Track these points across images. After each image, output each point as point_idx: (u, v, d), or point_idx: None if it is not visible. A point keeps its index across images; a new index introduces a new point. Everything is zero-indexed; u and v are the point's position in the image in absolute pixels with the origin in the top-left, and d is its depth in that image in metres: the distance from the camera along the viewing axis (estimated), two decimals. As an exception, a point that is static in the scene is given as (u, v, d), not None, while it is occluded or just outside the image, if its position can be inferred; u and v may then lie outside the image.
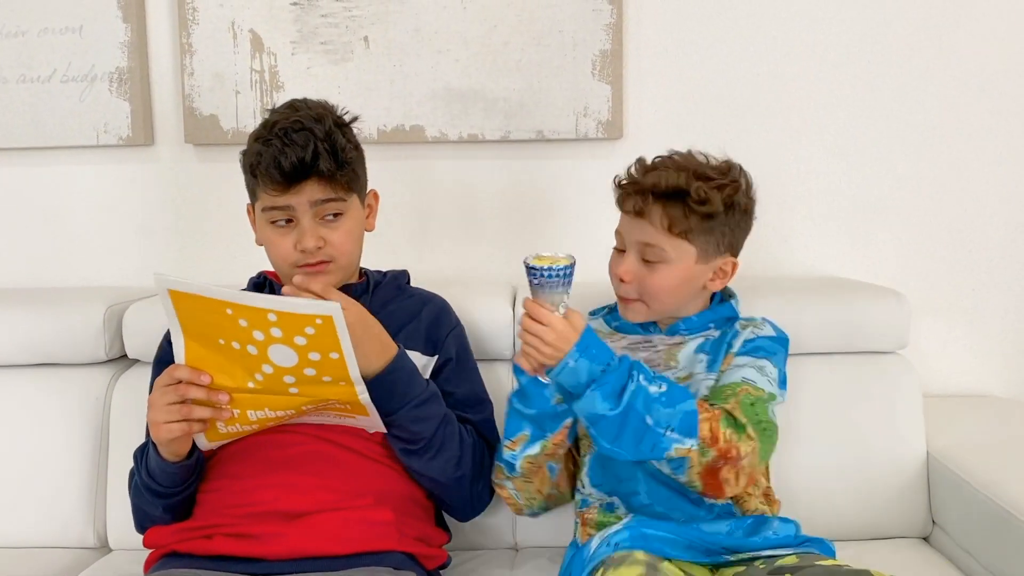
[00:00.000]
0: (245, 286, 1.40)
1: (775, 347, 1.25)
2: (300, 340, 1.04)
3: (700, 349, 1.25)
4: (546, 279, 1.10)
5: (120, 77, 1.73)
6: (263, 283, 1.39)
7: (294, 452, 1.20)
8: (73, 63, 1.73)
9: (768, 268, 1.72)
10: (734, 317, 1.29)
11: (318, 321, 1.03)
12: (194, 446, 1.18)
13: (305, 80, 1.72)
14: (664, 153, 1.27)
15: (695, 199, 1.19)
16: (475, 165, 1.75)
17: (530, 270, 1.10)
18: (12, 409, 1.51)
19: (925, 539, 1.47)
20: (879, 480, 1.45)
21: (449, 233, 1.76)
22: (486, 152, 1.74)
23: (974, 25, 1.70)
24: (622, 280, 1.23)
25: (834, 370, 1.48)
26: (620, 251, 1.26)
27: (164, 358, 1.23)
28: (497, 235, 1.76)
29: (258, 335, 1.04)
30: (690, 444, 1.10)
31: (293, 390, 1.10)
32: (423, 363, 1.32)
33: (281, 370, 1.07)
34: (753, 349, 1.24)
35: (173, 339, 1.10)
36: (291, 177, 1.24)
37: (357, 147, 1.34)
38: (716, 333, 1.26)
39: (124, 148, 1.76)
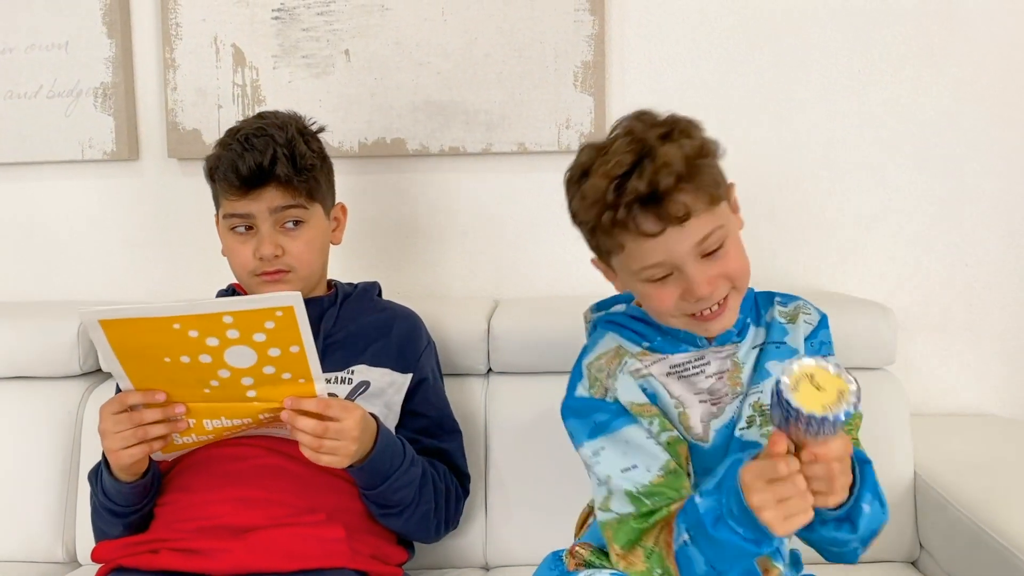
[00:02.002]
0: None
1: (828, 333, 1.10)
2: (259, 337, 1.02)
3: (760, 366, 1.05)
4: (836, 426, 0.82)
5: (105, 92, 1.73)
6: (230, 295, 1.38)
7: (247, 466, 1.18)
8: (59, 79, 1.74)
9: (755, 282, 1.67)
10: (748, 294, 1.09)
11: (278, 314, 1.00)
12: (150, 462, 1.16)
13: (287, 94, 1.71)
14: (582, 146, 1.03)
15: (709, 154, 0.97)
16: (456, 178, 1.73)
17: (805, 418, 0.81)
18: (-15, 421, 1.51)
19: (913, 563, 1.41)
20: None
21: (430, 247, 1.74)
22: (467, 165, 1.72)
23: (968, 33, 1.65)
24: (709, 294, 0.97)
25: (817, 386, 1.43)
26: (662, 279, 0.98)
27: None
28: (478, 249, 1.73)
29: (212, 341, 1.02)
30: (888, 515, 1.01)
31: (251, 393, 1.07)
32: (395, 381, 1.30)
33: (239, 372, 1.05)
34: (820, 348, 1.08)
35: (113, 373, 1.06)
36: (249, 182, 1.23)
37: (323, 157, 1.33)
38: (761, 334, 1.08)
39: (109, 163, 1.76)
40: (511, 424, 1.45)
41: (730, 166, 1.14)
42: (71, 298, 1.78)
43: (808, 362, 0.83)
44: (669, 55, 1.68)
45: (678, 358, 1.05)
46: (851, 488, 0.93)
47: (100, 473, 1.17)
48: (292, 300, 0.99)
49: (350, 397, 1.25)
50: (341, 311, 1.35)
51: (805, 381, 0.82)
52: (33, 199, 1.79)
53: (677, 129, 0.98)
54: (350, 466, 1.12)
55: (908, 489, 1.40)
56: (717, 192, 0.98)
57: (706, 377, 1.05)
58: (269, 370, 1.05)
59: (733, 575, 0.92)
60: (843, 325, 1.44)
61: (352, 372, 1.28)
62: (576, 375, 1.08)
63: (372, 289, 1.43)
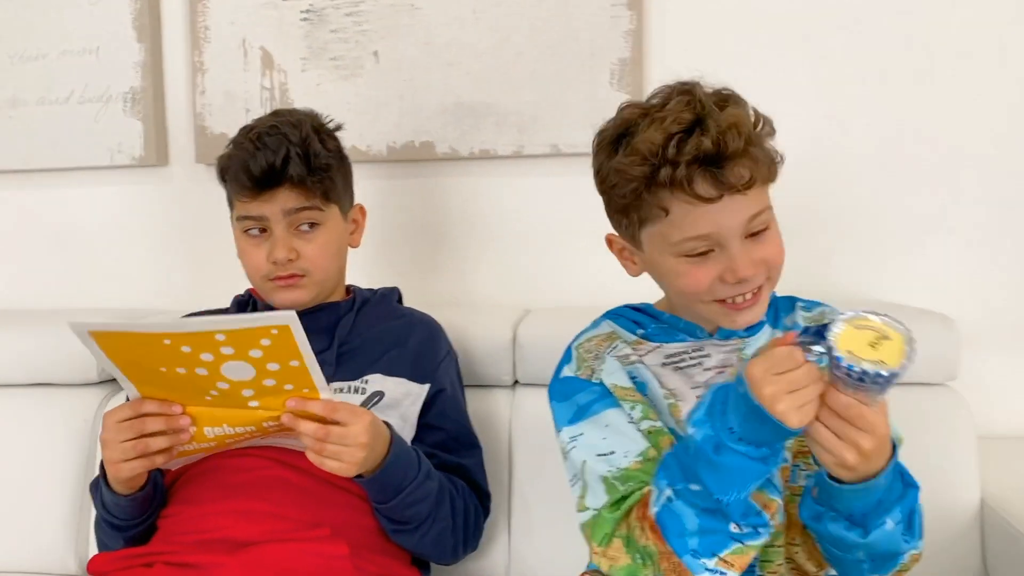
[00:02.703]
0: (228, 304, 1.36)
1: None
2: (255, 353, 0.96)
3: None
4: (881, 385, 0.75)
5: (134, 97, 1.72)
6: (247, 300, 1.34)
7: (251, 477, 1.12)
8: (90, 84, 1.73)
9: (805, 291, 1.56)
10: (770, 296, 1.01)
11: (274, 331, 0.94)
12: (149, 474, 1.11)
13: (315, 97, 1.67)
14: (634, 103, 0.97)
15: (770, 130, 0.94)
16: (487, 182, 1.66)
17: (847, 372, 0.74)
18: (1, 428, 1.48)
19: (980, 598, 1.28)
20: (926, 528, 1.26)
21: (460, 253, 1.68)
22: (498, 168, 1.65)
23: (1039, 22, 1.53)
24: (751, 276, 0.91)
25: (872, 403, 1.32)
26: (701, 255, 0.92)
27: None
28: (509, 255, 1.66)
29: (206, 356, 0.96)
30: (920, 546, 0.91)
31: (253, 403, 1.01)
32: (411, 391, 1.23)
33: (238, 384, 0.99)
34: None
35: (118, 379, 1.01)
36: (261, 183, 1.19)
37: (340, 156, 1.28)
38: (777, 333, 1.01)
39: (138, 168, 1.74)
40: (537, 439, 1.36)
41: (779, 165, 1.06)
42: (100, 304, 1.77)
43: (883, 321, 0.76)
44: (713, 50, 1.59)
45: (673, 347, 1.00)
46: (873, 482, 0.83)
47: (99, 486, 1.12)
48: (287, 320, 0.93)
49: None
50: (358, 318, 1.29)
51: (868, 333, 0.75)
52: (62, 205, 1.78)
53: (732, 99, 0.94)
54: (360, 477, 1.05)
55: (974, 517, 1.28)
56: (774, 168, 0.94)
57: (704, 370, 0.99)
58: (270, 383, 0.99)
59: (734, 512, 0.84)
60: (900, 336, 1.33)
61: (366, 381, 1.21)
62: (565, 357, 1.05)
63: (391, 295, 1.37)
